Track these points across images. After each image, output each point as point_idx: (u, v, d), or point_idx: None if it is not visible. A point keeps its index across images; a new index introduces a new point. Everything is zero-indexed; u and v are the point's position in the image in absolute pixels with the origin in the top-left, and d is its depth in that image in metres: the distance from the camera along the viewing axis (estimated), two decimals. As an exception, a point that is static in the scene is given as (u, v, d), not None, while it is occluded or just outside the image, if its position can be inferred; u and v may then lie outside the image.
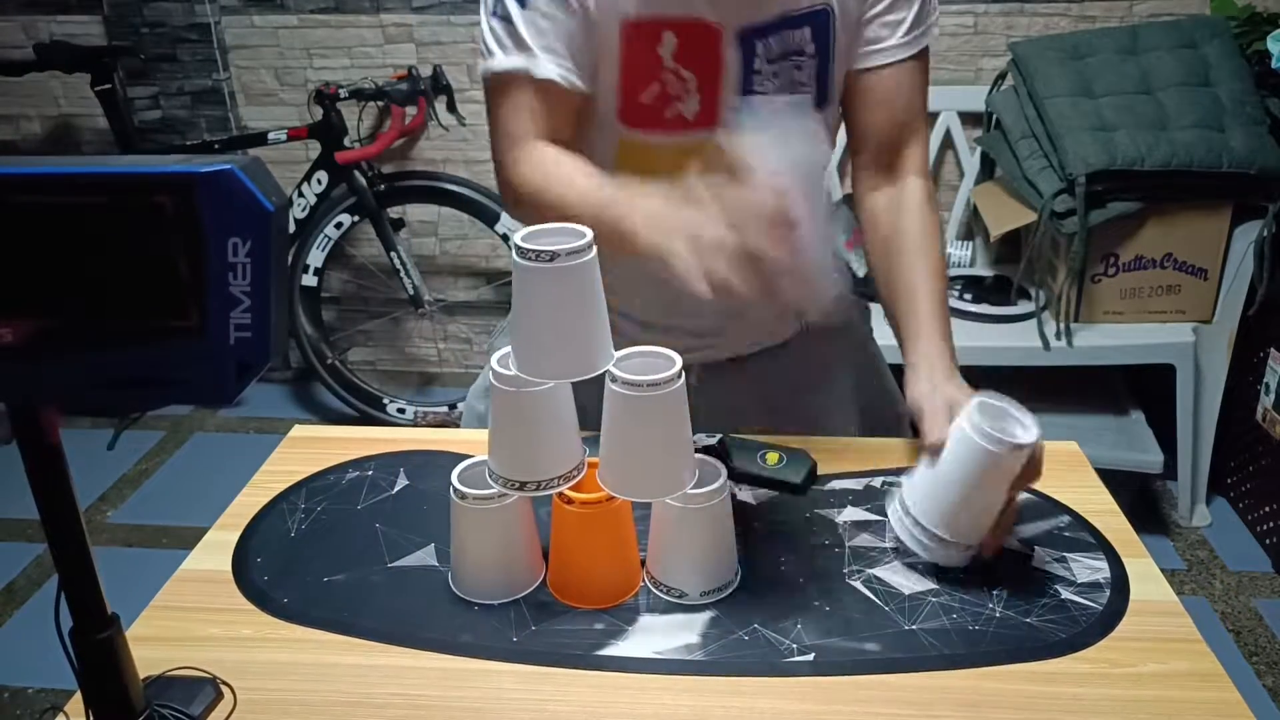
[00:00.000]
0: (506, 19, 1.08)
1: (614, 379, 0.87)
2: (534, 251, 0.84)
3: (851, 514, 1.07)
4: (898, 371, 1.15)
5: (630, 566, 0.98)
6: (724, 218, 0.89)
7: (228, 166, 0.60)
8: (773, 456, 1.13)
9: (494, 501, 0.92)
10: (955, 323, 2.44)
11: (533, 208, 1.09)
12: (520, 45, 1.08)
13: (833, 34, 1.14)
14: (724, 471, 0.93)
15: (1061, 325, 2.33)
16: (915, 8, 1.14)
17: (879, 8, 1.14)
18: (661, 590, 0.95)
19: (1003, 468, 0.91)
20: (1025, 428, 0.92)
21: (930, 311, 1.11)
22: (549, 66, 1.08)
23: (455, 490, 0.93)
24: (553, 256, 0.83)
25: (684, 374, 0.88)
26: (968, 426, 0.91)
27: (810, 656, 0.87)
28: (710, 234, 0.89)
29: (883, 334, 1.28)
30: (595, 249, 0.86)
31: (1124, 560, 1.00)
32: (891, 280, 1.16)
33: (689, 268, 0.89)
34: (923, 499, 0.96)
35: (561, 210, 1.03)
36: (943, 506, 0.94)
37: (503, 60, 1.09)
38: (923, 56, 1.18)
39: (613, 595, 0.95)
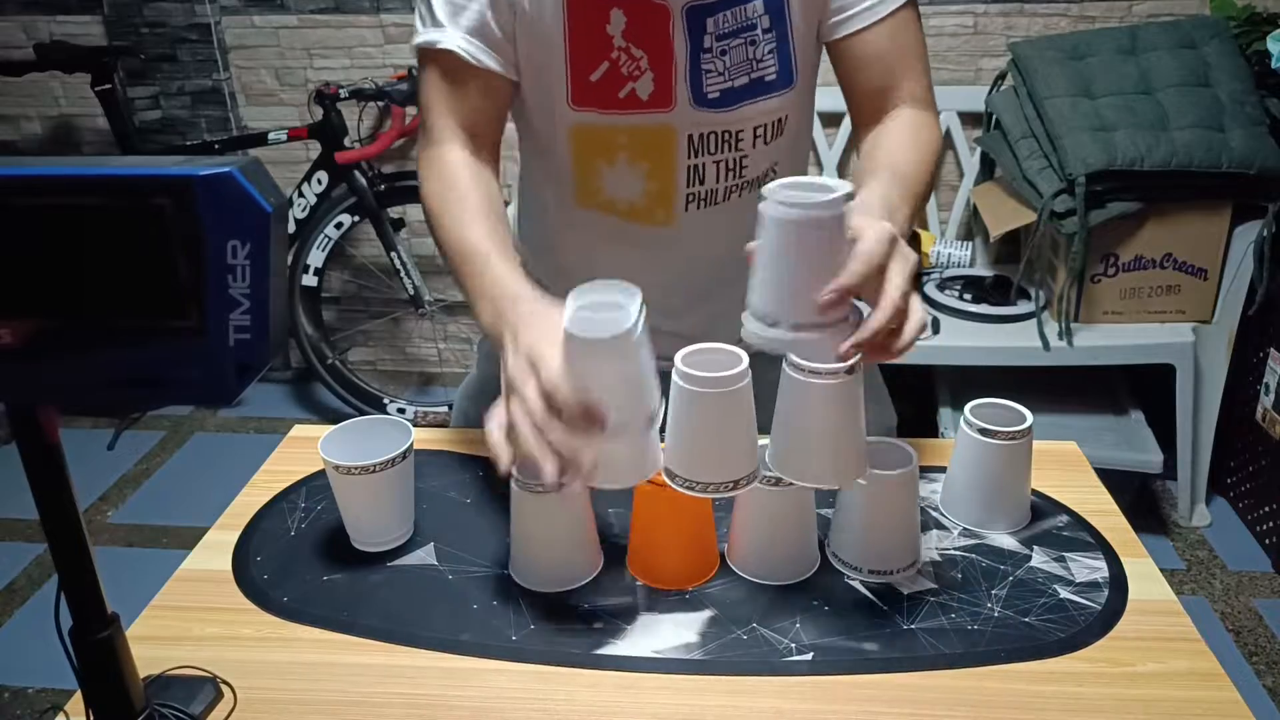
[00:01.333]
0: None
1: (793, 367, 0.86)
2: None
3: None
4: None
5: (710, 549, 1.00)
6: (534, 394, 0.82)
7: (227, 169, 0.60)
8: None
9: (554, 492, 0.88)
10: (955, 323, 2.44)
11: (430, 223, 1.12)
12: (434, 21, 1.10)
13: (787, 7, 1.10)
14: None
15: (1061, 325, 2.34)
16: None
17: None
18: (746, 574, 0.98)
19: (810, 234, 0.82)
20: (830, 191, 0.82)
21: (881, 176, 1.02)
22: (454, 38, 1.09)
23: (516, 480, 0.93)
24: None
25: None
26: (764, 204, 0.83)
27: (809, 656, 0.88)
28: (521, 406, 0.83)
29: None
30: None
31: (1122, 560, 1.00)
32: (860, 178, 1.06)
33: (493, 431, 0.85)
34: (759, 296, 0.87)
35: (445, 250, 1.08)
36: (776, 293, 0.85)
37: (419, 35, 1.12)
38: (902, 10, 1.13)
39: (696, 576, 0.98)
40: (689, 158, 1.13)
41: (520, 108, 1.17)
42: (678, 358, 0.88)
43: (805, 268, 0.82)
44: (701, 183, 1.15)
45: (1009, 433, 1.00)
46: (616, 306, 0.84)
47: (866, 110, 1.16)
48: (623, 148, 1.13)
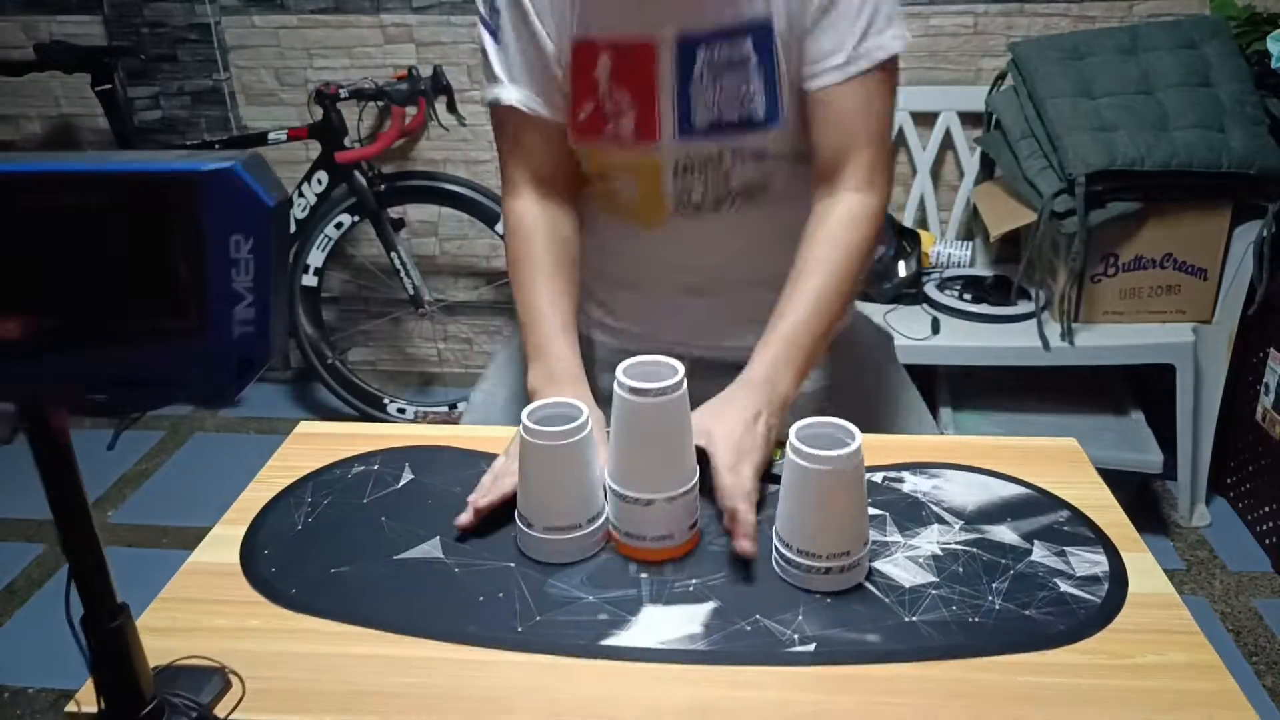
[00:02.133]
0: (484, 53, 1.20)
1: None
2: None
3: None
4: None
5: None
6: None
7: (229, 164, 0.60)
8: (775, 452, 1.14)
9: (565, 437, 0.96)
10: (955, 322, 2.45)
11: (510, 274, 1.25)
12: (493, 77, 1.20)
13: (775, 48, 1.13)
14: None
15: (1062, 325, 2.34)
16: (861, 24, 1.11)
17: (821, 23, 1.12)
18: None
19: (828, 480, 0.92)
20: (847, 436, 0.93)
21: (778, 333, 1.12)
22: (511, 93, 1.19)
23: (526, 428, 0.96)
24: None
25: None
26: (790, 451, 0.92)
27: (811, 647, 0.88)
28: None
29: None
30: None
31: (1122, 554, 1.01)
32: (787, 289, 1.16)
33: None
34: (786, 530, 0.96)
35: (516, 297, 1.22)
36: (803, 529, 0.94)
37: (485, 91, 1.22)
38: (871, 75, 1.13)
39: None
40: (675, 179, 1.22)
41: None
42: (619, 369, 0.97)
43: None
44: (689, 200, 1.24)
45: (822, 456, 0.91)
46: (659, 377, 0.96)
47: (821, 169, 1.18)
48: (619, 169, 1.24)
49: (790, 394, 1.11)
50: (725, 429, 1.04)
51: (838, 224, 1.16)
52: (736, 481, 0.99)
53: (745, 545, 0.96)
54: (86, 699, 0.77)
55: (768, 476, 1.10)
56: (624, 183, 1.25)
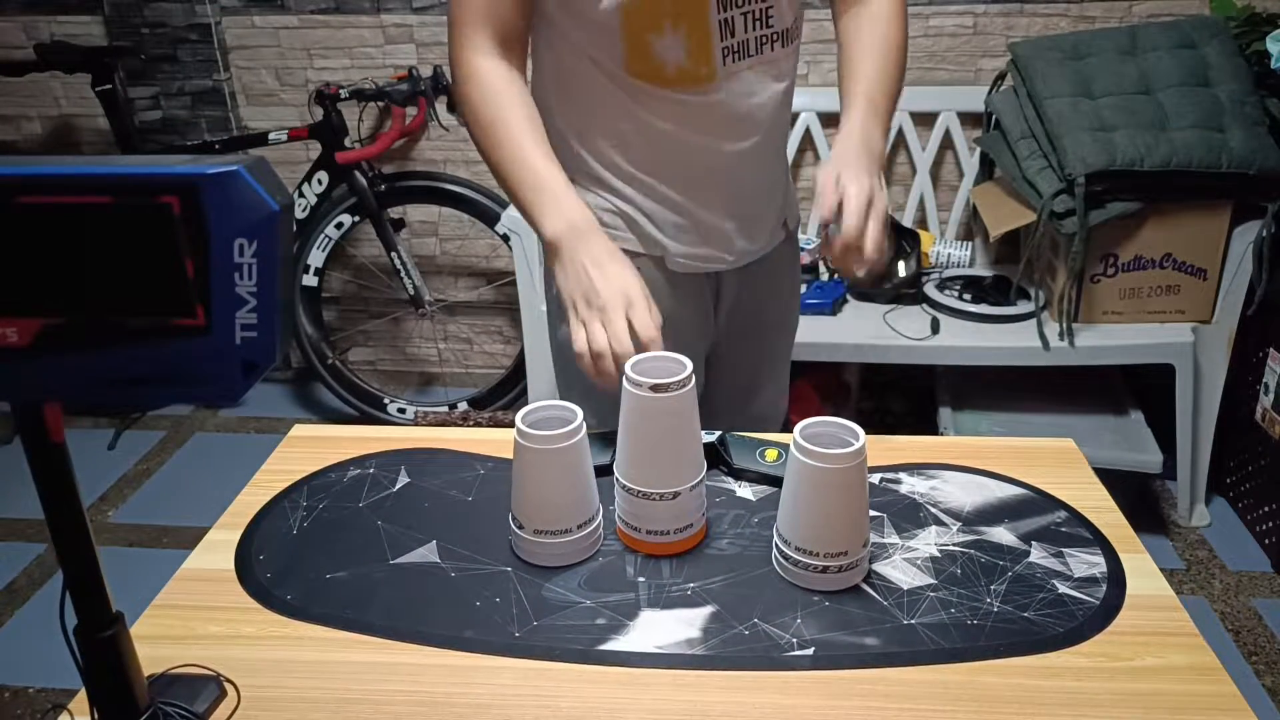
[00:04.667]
0: None
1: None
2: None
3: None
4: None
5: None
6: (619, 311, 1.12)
7: (234, 167, 0.60)
8: (772, 453, 1.14)
9: (560, 441, 0.97)
10: (955, 322, 2.45)
11: (474, 133, 1.25)
12: None
13: None
14: None
15: (1061, 325, 2.34)
16: None
17: None
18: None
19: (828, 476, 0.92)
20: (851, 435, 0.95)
21: (858, 93, 1.27)
22: None
23: (520, 432, 0.96)
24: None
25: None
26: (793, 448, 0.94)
27: (810, 651, 0.88)
28: (607, 312, 1.12)
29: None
30: None
31: (1120, 555, 1.00)
32: (840, 75, 1.32)
33: (579, 326, 1.14)
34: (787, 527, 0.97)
35: (496, 165, 1.23)
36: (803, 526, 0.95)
37: None
38: None
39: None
40: (719, 12, 1.21)
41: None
42: (627, 366, 1.00)
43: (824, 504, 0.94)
44: (733, 35, 1.23)
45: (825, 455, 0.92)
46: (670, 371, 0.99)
47: None
48: (666, 15, 1.20)
49: (883, 150, 1.26)
50: (856, 186, 1.16)
51: (878, 19, 1.31)
52: (870, 230, 1.16)
53: (871, 251, 1.17)
54: (80, 708, 0.77)
55: (770, 480, 1.11)
56: (668, 42, 1.21)
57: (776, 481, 1.11)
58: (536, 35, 1.28)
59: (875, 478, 1.13)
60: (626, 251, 1.26)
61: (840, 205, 1.16)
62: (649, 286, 1.17)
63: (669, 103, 1.25)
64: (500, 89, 1.22)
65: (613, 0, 1.17)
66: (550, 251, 1.20)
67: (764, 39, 1.25)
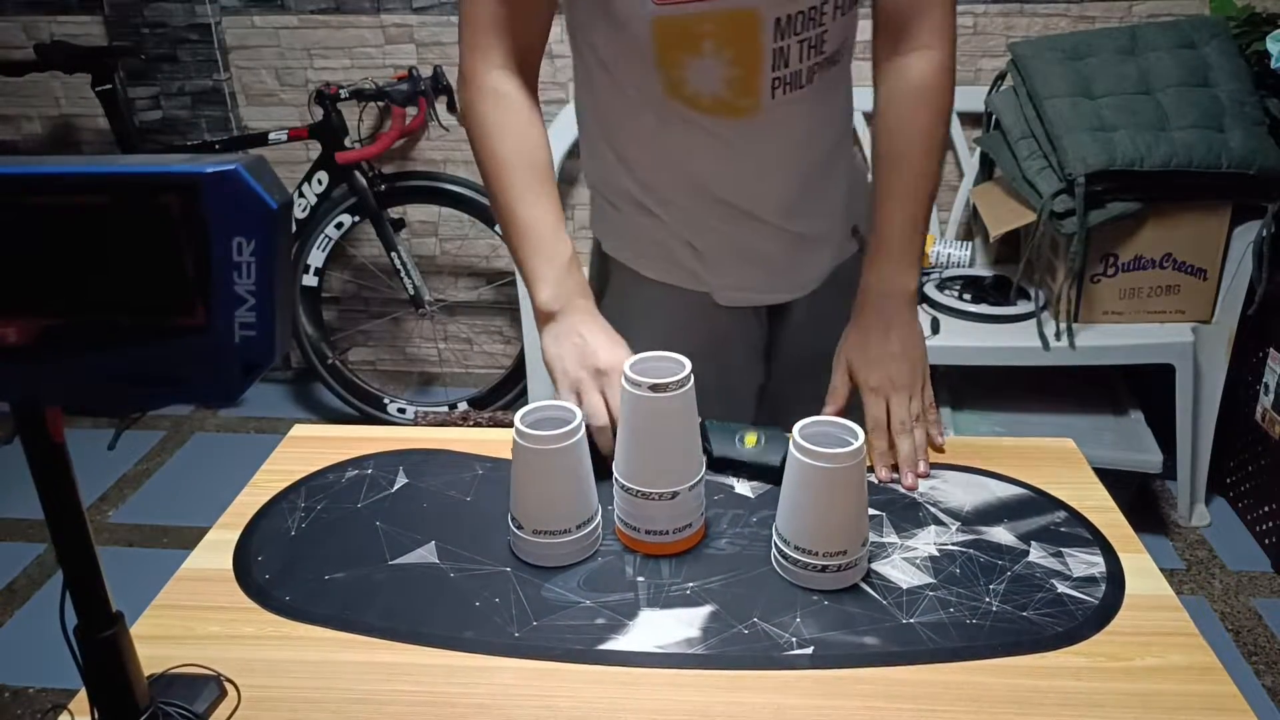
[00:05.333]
0: None
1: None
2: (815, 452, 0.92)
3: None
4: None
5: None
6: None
7: (233, 166, 0.60)
8: (751, 438, 1.12)
9: (558, 441, 0.96)
10: (955, 322, 2.45)
11: (475, 149, 1.17)
12: None
13: None
14: None
15: (1061, 325, 2.34)
16: None
17: None
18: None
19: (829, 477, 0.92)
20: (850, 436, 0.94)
21: (888, 232, 1.17)
22: None
23: (519, 432, 0.96)
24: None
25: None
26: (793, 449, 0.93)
27: (809, 650, 0.88)
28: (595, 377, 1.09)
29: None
30: None
31: (1120, 555, 1.00)
32: (874, 188, 1.20)
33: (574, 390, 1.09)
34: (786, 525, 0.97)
35: (493, 192, 1.15)
36: (801, 525, 0.95)
37: None
38: None
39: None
40: (775, 41, 1.09)
41: (593, 5, 1.12)
42: (625, 365, 0.98)
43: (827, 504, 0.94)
44: (786, 65, 1.12)
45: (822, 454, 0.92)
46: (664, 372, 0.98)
47: (890, 30, 1.16)
48: (708, 35, 1.09)
49: (914, 287, 1.18)
50: (863, 358, 1.14)
51: (915, 98, 1.16)
52: (891, 413, 1.12)
53: (909, 480, 1.09)
54: (80, 708, 0.77)
55: (773, 477, 1.10)
56: (707, 65, 1.11)
57: (756, 471, 1.11)
58: (572, 42, 1.21)
59: (874, 477, 1.13)
60: (668, 286, 1.24)
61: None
62: (691, 324, 1.13)
63: (704, 129, 1.16)
64: (522, 118, 1.15)
65: (648, 13, 1.07)
66: (541, 319, 1.16)
67: (816, 67, 1.15)
